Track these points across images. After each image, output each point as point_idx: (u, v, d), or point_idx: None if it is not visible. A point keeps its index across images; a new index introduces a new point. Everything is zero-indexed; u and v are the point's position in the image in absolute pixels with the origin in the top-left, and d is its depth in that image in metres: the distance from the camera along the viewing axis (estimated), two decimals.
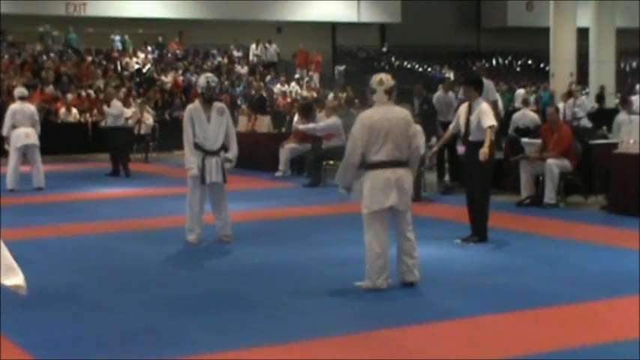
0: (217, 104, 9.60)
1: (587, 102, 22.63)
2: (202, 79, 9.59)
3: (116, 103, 17.73)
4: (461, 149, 10.44)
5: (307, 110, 17.56)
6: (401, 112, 7.30)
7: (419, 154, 7.58)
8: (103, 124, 18.40)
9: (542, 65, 37.23)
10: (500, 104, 15.03)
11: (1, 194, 14.04)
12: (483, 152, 8.75)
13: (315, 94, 27.32)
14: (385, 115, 7.14)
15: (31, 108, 15.22)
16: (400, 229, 7.30)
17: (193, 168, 9.29)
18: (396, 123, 7.12)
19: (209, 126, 9.36)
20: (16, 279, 4.17)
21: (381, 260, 7.12)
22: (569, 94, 22.93)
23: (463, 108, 9.50)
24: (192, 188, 9.45)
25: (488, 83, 13.83)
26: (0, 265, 4.09)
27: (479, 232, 9.40)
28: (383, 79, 7.25)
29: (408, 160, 7.27)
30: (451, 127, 9.82)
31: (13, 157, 14.72)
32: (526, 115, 15.77)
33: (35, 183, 14.89)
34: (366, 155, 7.12)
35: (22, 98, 15.11)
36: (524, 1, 38.76)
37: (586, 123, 20.18)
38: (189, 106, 9.73)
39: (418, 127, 13.21)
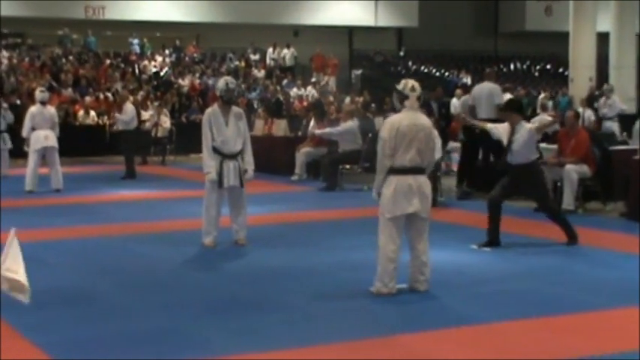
0: (235, 109, 9.59)
1: (618, 103, 22.21)
2: (221, 82, 9.58)
3: (128, 107, 17.76)
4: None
5: (318, 109, 17.54)
6: (426, 120, 7.36)
7: (434, 161, 7.62)
8: (115, 127, 18.48)
9: (560, 70, 37.07)
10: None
11: (9, 195, 14.12)
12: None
13: (331, 98, 27.28)
14: (413, 121, 7.18)
15: (50, 111, 15.30)
16: (416, 237, 7.30)
17: (211, 172, 9.29)
18: (422, 130, 7.17)
19: (227, 129, 9.35)
20: (22, 297, 4.19)
21: (393, 264, 7.13)
22: (589, 100, 22.74)
23: (505, 129, 9.65)
24: (209, 191, 9.44)
25: (494, 87, 13.82)
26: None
27: (571, 237, 9.54)
28: (415, 85, 7.29)
29: (426, 167, 7.33)
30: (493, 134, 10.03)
31: (32, 159, 14.80)
32: (543, 120, 15.68)
33: (53, 185, 14.95)
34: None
35: (43, 102, 15.19)
36: (543, 5, 38.60)
37: (611, 125, 19.96)
38: (208, 110, 9.71)
39: (435, 132, 13.30)
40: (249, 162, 9.51)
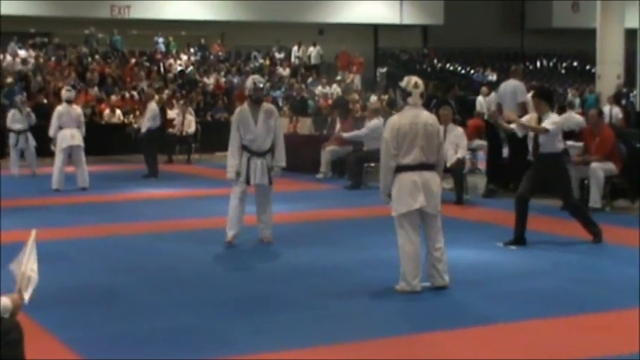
0: (266, 106, 9.60)
1: None
2: (249, 81, 9.58)
3: (152, 105, 17.82)
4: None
5: (342, 107, 17.51)
6: (429, 117, 7.33)
7: (443, 157, 7.61)
8: (139, 127, 18.50)
9: (587, 67, 36.82)
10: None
11: (37, 193, 14.22)
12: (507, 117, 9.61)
13: (356, 96, 27.24)
14: (414, 119, 7.18)
15: (77, 110, 15.41)
16: (428, 234, 7.28)
17: (231, 172, 9.35)
18: (423, 127, 7.15)
19: (256, 128, 9.34)
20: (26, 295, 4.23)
21: (415, 262, 7.14)
22: (617, 97, 22.54)
23: (532, 120, 9.56)
24: (235, 188, 9.46)
25: (518, 85, 13.72)
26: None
27: (595, 235, 9.45)
28: (418, 82, 7.30)
29: (436, 163, 7.31)
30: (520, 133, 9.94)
31: (58, 158, 14.89)
32: (571, 118, 15.58)
33: (79, 183, 15.04)
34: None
35: (69, 101, 15.28)
36: (569, 2, 38.33)
37: None
38: (238, 109, 9.76)
39: (460, 130, 13.25)
40: (278, 159, 9.50)
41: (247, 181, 9.36)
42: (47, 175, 15.37)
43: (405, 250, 7.14)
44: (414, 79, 7.36)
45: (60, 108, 15.27)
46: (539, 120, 9.37)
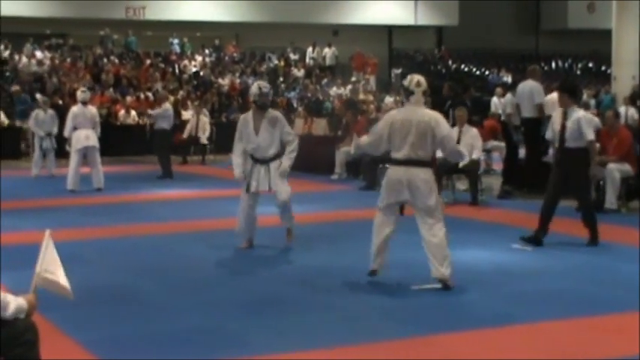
0: (270, 113, 9.33)
1: None
2: (254, 87, 9.41)
3: (166, 106, 17.79)
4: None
5: (351, 107, 17.51)
6: (425, 115, 7.33)
7: (455, 155, 7.76)
8: (151, 122, 18.50)
9: (603, 68, 36.65)
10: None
11: (53, 194, 14.27)
12: (595, 162, 9.40)
13: (371, 97, 27.24)
14: (408, 116, 7.29)
15: (91, 110, 15.46)
16: (420, 229, 7.37)
17: (237, 171, 9.33)
18: (417, 124, 7.22)
19: (257, 137, 9.17)
20: (65, 295, 4.26)
21: (376, 248, 7.50)
22: (632, 98, 22.43)
23: (557, 114, 9.53)
24: (242, 193, 9.42)
25: (535, 86, 13.66)
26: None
27: (593, 240, 9.42)
28: (420, 80, 7.40)
29: (428, 160, 7.35)
30: (547, 135, 9.94)
31: (73, 159, 14.94)
32: None
33: (95, 184, 15.09)
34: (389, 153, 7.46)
35: (84, 102, 15.34)
36: (585, 2, 38.17)
37: None
38: (242, 115, 9.65)
39: (475, 131, 13.22)
40: (284, 160, 9.29)
41: (248, 189, 9.28)
42: (63, 176, 15.42)
43: (374, 235, 7.51)
44: (417, 77, 7.46)
45: (75, 109, 15.33)
46: (565, 115, 9.31)
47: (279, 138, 9.26)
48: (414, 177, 7.22)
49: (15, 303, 3.80)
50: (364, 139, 7.86)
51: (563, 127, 9.28)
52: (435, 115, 7.39)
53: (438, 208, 7.35)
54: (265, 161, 9.24)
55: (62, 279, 4.26)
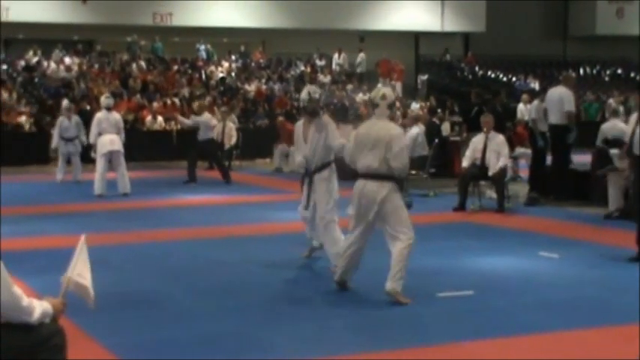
0: (319, 119, 8.67)
1: None
2: (304, 92, 8.86)
3: (206, 116, 18.04)
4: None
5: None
6: (388, 129, 7.21)
7: (400, 168, 7.21)
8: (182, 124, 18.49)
9: (632, 75, 36.41)
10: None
11: (80, 199, 14.36)
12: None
13: (397, 104, 27.19)
14: (368, 130, 7.29)
15: (115, 116, 15.57)
16: (387, 238, 7.33)
17: (298, 161, 8.86)
18: (378, 139, 7.14)
19: (306, 146, 8.64)
20: (88, 302, 4.30)
21: (342, 259, 7.63)
22: None
23: (633, 118, 9.55)
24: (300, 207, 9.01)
25: (565, 92, 13.51)
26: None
27: None
28: (386, 93, 7.42)
29: (389, 174, 7.18)
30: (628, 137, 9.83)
31: (99, 164, 15.04)
32: (615, 126, 15.40)
33: (120, 189, 15.17)
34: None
35: (108, 108, 15.46)
36: (614, 8, 37.91)
37: None
38: (297, 123, 9.10)
39: (501, 138, 13.15)
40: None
41: (306, 206, 8.76)
42: (90, 181, 15.50)
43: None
44: (383, 90, 7.53)
45: (99, 115, 15.45)
46: None
47: (326, 146, 8.62)
48: (371, 190, 7.18)
49: (40, 308, 3.83)
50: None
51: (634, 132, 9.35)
52: (392, 132, 7.20)
53: (398, 220, 7.19)
54: (312, 172, 8.68)
55: (90, 285, 4.30)
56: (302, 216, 8.91)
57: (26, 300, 3.76)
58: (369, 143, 7.19)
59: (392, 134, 7.16)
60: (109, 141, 15.09)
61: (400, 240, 7.15)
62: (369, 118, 7.61)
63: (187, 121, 18.48)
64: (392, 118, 7.77)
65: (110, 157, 15.18)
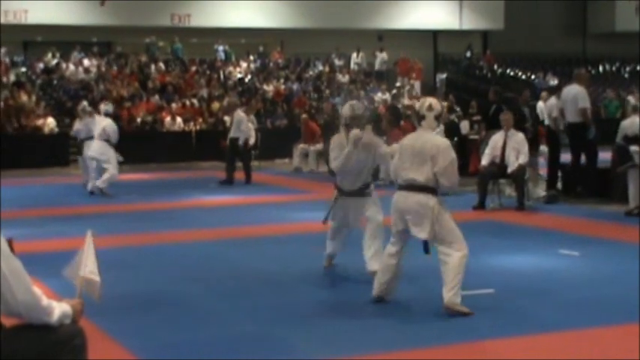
0: (364, 137, 8.02)
1: None
2: (346, 107, 8.22)
3: (239, 115, 17.95)
4: None
5: (393, 114, 17.41)
6: (429, 140, 6.84)
7: (448, 185, 6.87)
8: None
9: None
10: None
11: (96, 201, 14.42)
12: None
13: (405, 101, 27.11)
14: (412, 142, 6.92)
15: (103, 123, 15.87)
16: (438, 252, 6.94)
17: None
18: (421, 151, 6.78)
19: (348, 166, 8.04)
20: (95, 296, 4.31)
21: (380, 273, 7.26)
22: None
23: None
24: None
25: (580, 90, 13.49)
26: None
27: None
28: (433, 104, 6.99)
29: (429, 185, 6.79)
30: None
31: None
32: (635, 123, 15.30)
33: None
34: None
35: (107, 114, 16.08)
36: (633, 5, 37.67)
37: None
38: (335, 136, 8.31)
39: (521, 136, 13.08)
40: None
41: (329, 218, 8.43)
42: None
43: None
44: (429, 100, 7.06)
45: (96, 119, 16.11)
46: None
47: (370, 166, 8.25)
48: (412, 203, 6.79)
49: (60, 309, 3.83)
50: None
51: None
52: (439, 144, 6.84)
53: (445, 234, 6.78)
54: (350, 194, 8.20)
55: (100, 280, 4.31)
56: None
57: (46, 300, 3.76)
58: (414, 156, 6.81)
59: (439, 147, 6.78)
60: (87, 145, 15.97)
61: (456, 250, 6.75)
62: (414, 130, 7.14)
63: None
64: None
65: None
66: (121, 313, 6.84)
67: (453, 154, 6.87)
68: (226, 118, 18.32)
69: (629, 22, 37.85)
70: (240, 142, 17.55)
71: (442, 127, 16.07)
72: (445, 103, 27.74)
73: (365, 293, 7.50)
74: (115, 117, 16.55)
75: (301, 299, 7.39)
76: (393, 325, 6.49)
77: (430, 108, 6.92)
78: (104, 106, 16.47)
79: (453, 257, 6.72)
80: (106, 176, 15.37)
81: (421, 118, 6.94)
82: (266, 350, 5.84)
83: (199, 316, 6.83)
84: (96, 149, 15.55)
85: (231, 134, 17.65)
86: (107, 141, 15.60)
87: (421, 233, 6.79)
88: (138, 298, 7.36)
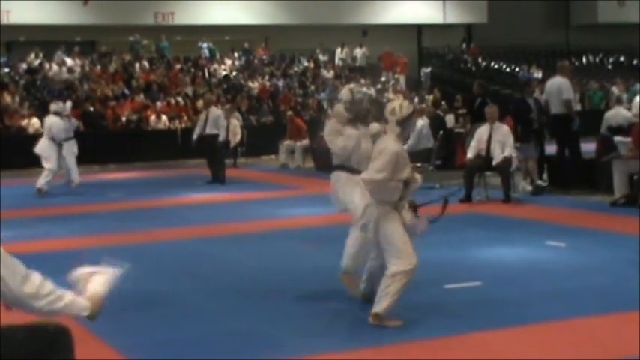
0: (366, 129, 7.19)
1: None
2: (344, 91, 7.49)
3: (216, 111, 17.68)
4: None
5: (380, 110, 17.44)
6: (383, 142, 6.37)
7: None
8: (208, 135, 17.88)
9: (635, 62, 36.32)
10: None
11: (84, 201, 14.39)
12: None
13: (391, 95, 27.16)
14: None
15: (50, 121, 16.24)
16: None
17: None
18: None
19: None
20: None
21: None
22: None
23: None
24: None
25: (563, 81, 13.57)
26: None
27: None
28: (395, 108, 6.41)
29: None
30: None
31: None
32: (619, 114, 15.41)
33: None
34: None
35: (57, 113, 16.25)
36: None
37: None
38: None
39: (506, 128, 13.12)
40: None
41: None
42: (95, 182, 15.52)
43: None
44: (394, 104, 6.50)
45: (49, 119, 16.33)
46: None
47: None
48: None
49: (70, 297, 3.86)
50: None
51: None
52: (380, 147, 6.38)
53: (386, 244, 6.30)
54: None
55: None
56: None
57: (50, 287, 3.77)
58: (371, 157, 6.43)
59: (382, 150, 6.27)
60: (39, 144, 16.05)
61: (392, 264, 6.26)
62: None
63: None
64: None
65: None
66: (108, 312, 6.79)
67: (390, 155, 6.24)
68: (201, 116, 17.97)
69: (611, 13, 38.00)
70: (221, 138, 17.21)
71: (427, 120, 16.15)
72: (430, 97, 27.92)
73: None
74: (100, 116, 16.50)
75: (289, 296, 7.39)
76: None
77: (392, 112, 6.40)
78: (54, 105, 16.74)
79: (389, 270, 6.26)
80: (43, 175, 15.65)
81: (386, 121, 6.48)
82: (254, 347, 5.84)
83: (187, 314, 6.83)
84: (40, 147, 15.95)
85: (207, 131, 17.12)
86: (53, 139, 15.90)
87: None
88: (124, 296, 7.32)
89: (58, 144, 15.97)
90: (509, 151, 12.90)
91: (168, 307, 7.11)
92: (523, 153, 13.66)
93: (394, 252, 6.26)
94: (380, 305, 6.19)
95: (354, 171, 7.05)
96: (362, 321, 6.42)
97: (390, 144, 6.31)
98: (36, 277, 3.74)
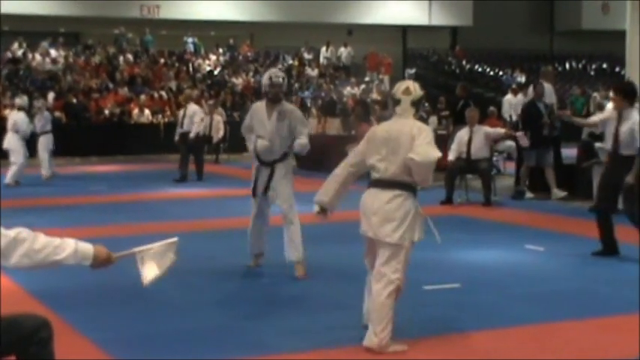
0: (281, 106, 8.20)
1: None
2: (265, 76, 8.26)
3: (193, 107, 17.39)
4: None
5: (362, 109, 17.52)
6: (407, 126, 5.75)
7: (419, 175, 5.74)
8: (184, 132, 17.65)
9: (617, 69, 36.50)
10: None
11: (64, 193, 14.34)
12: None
13: (374, 96, 27.19)
14: (389, 128, 5.89)
15: (15, 116, 16.33)
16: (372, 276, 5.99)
17: (250, 147, 8.53)
18: (395, 138, 5.75)
19: (265, 131, 8.15)
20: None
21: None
22: None
23: (613, 116, 8.98)
24: (252, 200, 8.55)
25: (547, 87, 13.69)
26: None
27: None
28: (410, 87, 5.88)
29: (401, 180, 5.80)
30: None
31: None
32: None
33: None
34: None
35: (21, 108, 16.46)
36: (599, 3, 38.04)
37: None
38: (253, 105, 8.72)
39: (484, 129, 13.18)
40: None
41: (257, 192, 8.40)
42: (77, 174, 15.46)
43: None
44: (407, 83, 5.97)
45: (12, 114, 16.56)
46: (620, 116, 8.72)
47: (288, 137, 8.19)
48: (376, 202, 5.85)
49: (74, 246, 3.87)
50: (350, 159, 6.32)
51: (617, 131, 8.69)
52: (418, 126, 5.80)
53: (396, 252, 5.79)
54: (270, 163, 8.27)
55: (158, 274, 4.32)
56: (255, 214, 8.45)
57: (44, 239, 3.76)
58: (389, 144, 5.75)
59: (413, 134, 5.68)
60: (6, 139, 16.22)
61: (391, 266, 5.86)
62: (389, 117, 6.16)
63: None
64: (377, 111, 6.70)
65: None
66: (86, 306, 6.82)
67: (430, 130, 5.89)
68: (181, 112, 17.77)
69: (595, 20, 38.21)
70: (192, 135, 16.80)
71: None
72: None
73: (332, 287, 7.56)
74: (82, 108, 16.45)
75: (270, 291, 7.41)
76: (359, 319, 6.52)
77: (407, 92, 5.84)
78: (19, 100, 16.87)
79: (383, 292, 5.79)
80: (12, 170, 15.75)
81: (396, 102, 5.88)
82: (235, 342, 5.86)
83: (166, 309, 6.83)
84: (7, 141, 16.08)
85: (185, 128, 16.89)
86: (17, 133, 15.99)
87: (372, 234, 5.84)
88: (103, 290, 7.33)
89: (25, 139, 16.12)
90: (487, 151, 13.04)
91: (147, 301, 7.10)
92: (538, 160, 13.45)
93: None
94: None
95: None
96: (342, 319, 6.44)
97: (417, 123, 5.82)
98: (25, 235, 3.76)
